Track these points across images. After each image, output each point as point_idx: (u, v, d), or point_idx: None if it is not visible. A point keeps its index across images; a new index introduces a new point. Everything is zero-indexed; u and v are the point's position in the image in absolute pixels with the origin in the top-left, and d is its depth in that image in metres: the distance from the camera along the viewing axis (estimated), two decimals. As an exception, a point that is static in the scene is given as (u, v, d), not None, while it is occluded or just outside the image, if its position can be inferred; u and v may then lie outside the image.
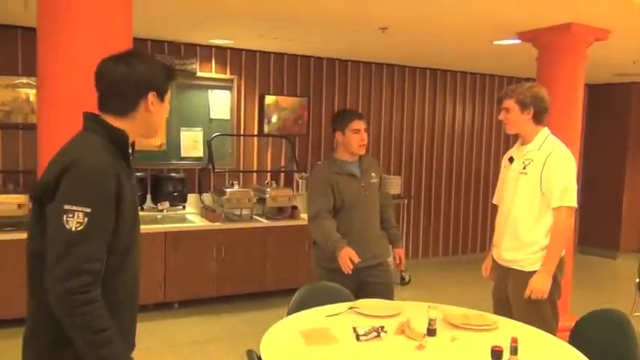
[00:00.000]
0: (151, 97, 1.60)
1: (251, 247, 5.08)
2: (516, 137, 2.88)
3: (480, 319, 2.40)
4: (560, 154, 2.67)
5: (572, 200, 2.61)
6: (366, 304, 2.60)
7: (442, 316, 2.40)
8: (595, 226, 7.61)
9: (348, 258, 2.88)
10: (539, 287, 2.60)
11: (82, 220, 1.40)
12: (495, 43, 4.83)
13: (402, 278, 5.90)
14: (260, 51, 5.71)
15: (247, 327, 4.47)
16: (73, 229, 1.40)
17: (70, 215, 1.40)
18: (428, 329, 2.26)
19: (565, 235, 2.66)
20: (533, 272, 2.66)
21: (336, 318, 2.45)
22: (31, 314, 1.57)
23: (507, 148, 7.28)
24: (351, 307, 2.54)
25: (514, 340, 1.86)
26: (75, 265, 1.40)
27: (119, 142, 1.59)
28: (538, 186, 2.64)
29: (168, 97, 1.67)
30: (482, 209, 7.23)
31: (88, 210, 1.41)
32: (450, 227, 7.01)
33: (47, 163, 1.55)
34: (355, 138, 3.08)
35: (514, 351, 1.85)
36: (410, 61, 6.31)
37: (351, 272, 2.89)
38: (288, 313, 2.66)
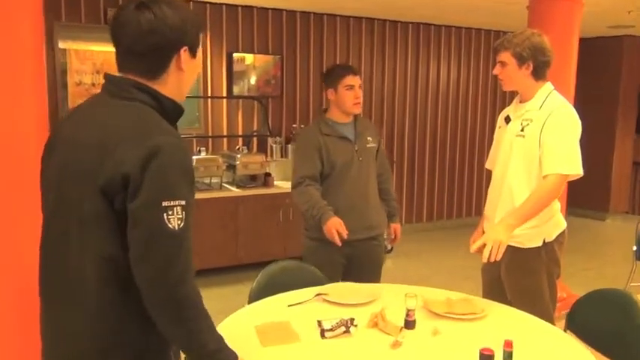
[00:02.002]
0: (183, 53, 1.37)
1: (221, 218, 4.74)
2: (512, 95, 2.49)
3: (465, 306, 2.08)
4: (563, 113, 2.28)
5: (569, 166, 2.23)
6: (336, 289, 2.27)
7: (422, 304, 2.08)
8: (584, 187, 7.32)
9: (335, 230, 2.58)
10: (494, 238, 2.11)
11: (181, 215, 1.24)
12: (483, -9, 4.41)
13: (385, 247, 5.60)
14: (226, 4, 5.21)
15: (219, 304, 4.16)
16: (177, 227, 1.23)
17: (171, 213, 1.23)
18: (405, 321, 1.93)
19: (546, 204, 2.25)
20: (532, 249, 2.32)
21: (300, 308, 2.11)
22: (82, 327, 1.32)
23: (494, 108, 6.97)
24: (318, 294, 2.21)
25: (508, 345, 1.54)
26: (186, 267, 1.26)
27: (172, 116, 1.38)
28: (537, 151, 2.27)
29: (200, 52, 1.44)
30: (467, 172, 6.91)
31: (184, 202, 1.25)
32: (434, 191, 6.70)
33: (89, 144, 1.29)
34: (349, 95, 2.74)
35: (508, 357, 1.52)
36: (391, 14, 5.85)
37: (340, 244, 2.61)
38: (249, 301, 2.33)
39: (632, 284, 3.76)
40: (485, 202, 2.59)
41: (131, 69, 1.35)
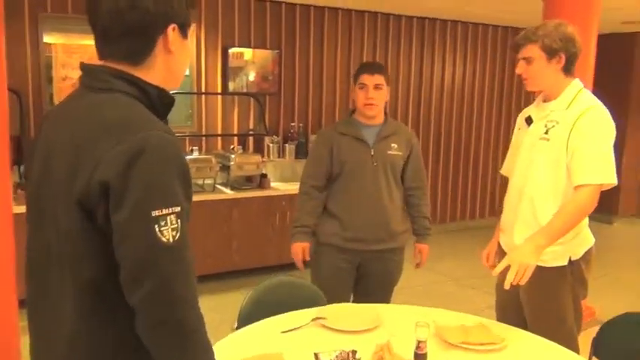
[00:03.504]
0: (171, 31, 1.15)
1: (215, 222, 4.48)
2: (526, 92, 2.23)
3: (482, 334, 1.84)
4: (595, 115, 2.01)
5: (603, 176, 1.97)
6: (336, 312, 2.02)
7: (434, 330, 1.83)
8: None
9: (299, 254, 2.62)
10: (521, 260, 1.86)
11: (176, 225, 1.03)
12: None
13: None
14: (222, -4, 4.96)
15: (212, 313, 3.96)
16: (172, 240, 1.02)
17: (163, 223, 1.01)
18: (415, 354, 1.69)
19: (580, 219, 2.02)
20: (556, 268, 2.07)
21: (295, 335, 1.87)
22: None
23: (500, 105, 6.70)
24: (316, 318, 1.96)
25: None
26: (187, 285, 1.05)
27: (161, 107, 1.17)
28: (564, 157, 2.01)
29: (192, 31, 1.23)
30: (472, 174, 6.65)
31: (178, 208, 1.04)
32: (437, 194, 6.45)
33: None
34: (360, 94, 2.57)
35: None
36: (395, 8, 5.58)
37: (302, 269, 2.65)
38: (238, 322, 2.09)
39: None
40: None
41: (110, 54, 1.14)
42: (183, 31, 1.18)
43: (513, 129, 2.46)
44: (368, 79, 2.54)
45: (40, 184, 1.14)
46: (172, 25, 1.14)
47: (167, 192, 1.03)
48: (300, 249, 2.62)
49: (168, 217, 1.02)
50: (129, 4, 1.09)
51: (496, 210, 6.83)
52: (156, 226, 1.00)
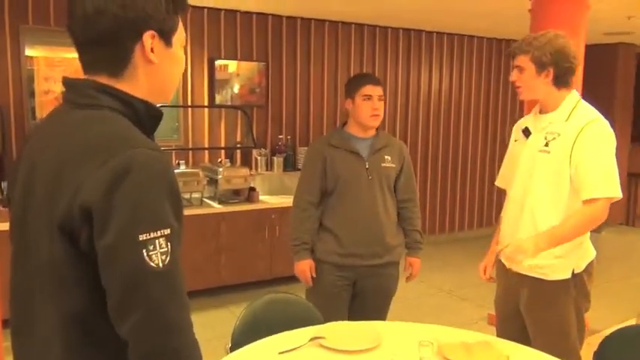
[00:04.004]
0: (149, 39, 1.04)
1: (202, 237, 4.40)
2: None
3: (486, 353, 1.78)
4: (598, 127, 2.00)
5: (612, 189, 1.96)
6: (334, 330, 1.96)
7: (436, 349, 1.78)
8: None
9: (307, 271, 2.53)
10: (521, 245, 1.88)
11: (166, 248, 0.95)
12: (481, -6, 4.16)
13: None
14: (208, 7, 4.90)
15: (201, 329, 3.85)
16: (161, 264, 0.95)
17: (152, 247, 0.94)
18: (419, 375, 1.63)
19: (586, 231, 2.01)
20: (559, 282, 2.03)
21: (293, 355, 1.80)
22: None
23: (492, 118, 6.72)
24: (314, 337, 1.89)
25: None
26: (181, 313, 0.98)
27: (148, 122, 1.09)
28: (567, 170, 1.99)
29: (179, 36, 1.10)
30: (460, 185, 6.65)
31: (168, 231, 0.96)
32: (426, 205, 6.42)
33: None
34: (365, 106, 2.51)
35: None
36: (382, 20, 5.59)
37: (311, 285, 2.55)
38: (232, 343, 2.02)
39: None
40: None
41: (89, 65, 1.06)
42: (166, 38, 1.07)
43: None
44: (373, 90, 2.52)
45: (24, 208, 1.06)
46: (149, 32, 1.04)
47: (155, 214, 0.96)
48: (306, 266, 2.56)
49: (157, 241, 0.95)
50: (95, 10, 1.02)
51: (485, 222, 6.83)
52: (144, 250, 0.93)
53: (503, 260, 1.92)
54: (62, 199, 0.95)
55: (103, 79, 1.05)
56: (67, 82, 1.08)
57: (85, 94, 1.04)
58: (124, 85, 1.05)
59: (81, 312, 0.99)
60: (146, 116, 1.08)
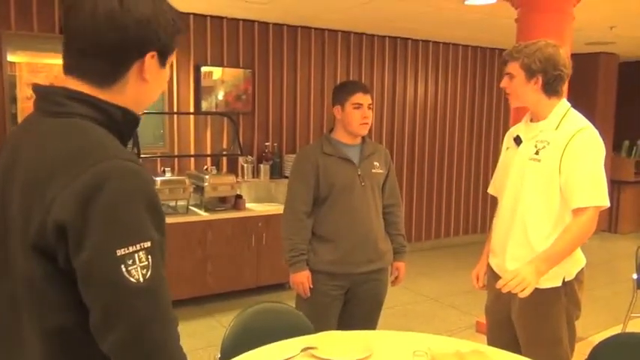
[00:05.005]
0: (150, 59, 1.03)
1: (188, 245, 4.34)
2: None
3: (480, 361, 1.77)
4: (588, 136, 2.01)
5: (600, 198, 1.98)
6: (326, 340, 1.93)
7: (430, 359, 1.76)
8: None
9: (305, 282, 2.51)
10: (525, 277, 1.88)
11: (146, 262, 0.92)
12: (467, 3, 4.19)
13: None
14: (194, 14, 4.87)
15: (187, 338, 3.81)
16: (142, 279, 0.91)
17: (130, 262, 0.91)
18: (413, 385, 1.61)
19: (582, 242, 2.03)
20: (550, 290, 2.04)
21: (285, 367, 1.77)
22: None
23: (477, 125, 6.77)
24: (306, 348, 1.87)
25: None
26: (166, 328, 0.94)
27: (124, 128, 1.05)
28: (556, 178, 2.00)
29: (172, 59, 1.10)
30: (446, 192, 6.67)
31: (148, 244, 0.92)
32: (412, 213, 6.44)
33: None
34: (356, 114, 2.50)
35: None
36: (368, 28, 5.61)
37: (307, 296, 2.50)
38: (222, 358, 1.98)
39: (633, 314, 3.53)
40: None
41: (76, 71, 1.02)
42: (163, 59, 1.07)
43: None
44: (363, 99, 2.52)
45: (0, 226, 1.02)
46: (152, 52, 1.03)
47: (133, 227, 0.92)
48: (304, 278, 2.52)
49: (136, 255, 0.91)
50: (108, 23, 0.98)
51: (471, 229, 6.87)
52: (122, 266, 0.90)
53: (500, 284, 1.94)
54: (34, 217, 0.92)
55: (84, 88, 1.01)
56: (38, 90, 1.04)
57: (56, 101, 1.00)
58: (105, 95, 1.02)
59: (62, 329, 0.96)
60: (123, 122, 1.04)
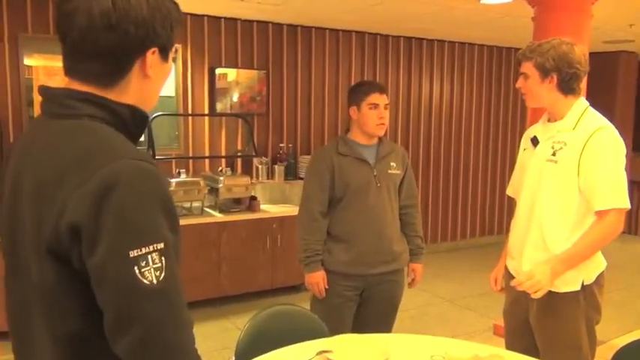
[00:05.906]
0: (151, 55, 1.02)
1: (203, 246, 4.35)
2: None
3: (498, 366, 1.74)
4: (607, 136, 1.96)
5: (622, 200, 1.93)
6: (342, 344, 1.91)
7: (447, 363, 1.73)
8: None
9: (320, 283, 2.49)
10: (540, 279, 1.86)
11: (159, 264, 0.90)
12: (483, 2, 4.14)
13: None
14: (208, 16, 4.88)
15: (202, 340, 3.80)
16: (155, 281, 0.90)
17: (144, 263, 0.89)
18: (431, 390, 1.59)
19: (604, 245, 1.98)
20: (568, 294, 2.00)
21: (301, 370, 1.75)
22: None
23: (493, 126, 6.70)
24: (321, 351, 1.85)
25: None
26: (180, 331, 0.93)
27: (133, 127, 1.04)
28: (574, 180, 1.96)
29: (173, 53, 1.10)
30: (462, 194, 6.61)
31: (162, 245, 0.91)
32: (428, 214, 6.38)
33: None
34: (372, 115, 2.49)
35: None
36: (383, 28, 5.57)
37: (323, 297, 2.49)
38: (236, 358, 1.97)
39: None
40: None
41: (79, 73, 1.01)
42: (164, 54, 1.05)
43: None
44: (379, 99, 2.50)
45: (12, 229, 1.02)
46: (153, 49, 1.02)
47: (146, 228, 0.91)
48: (320, 278, 2.51)
49: (149, 256, 0.90)
50: (106, 24, 0.96)
51: (487, 230, 6.80)
52: (135, 267, 0.89)
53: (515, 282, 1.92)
54: (47, 220, 0.91)
55: (90, 88, 1.00)
56: (45, 93, 1.03)
57: (64, 104, 0.99)
58: (111, 94, 1.01)
59: (75, 333, 0.95)
60: (132, 120, 1.03)
